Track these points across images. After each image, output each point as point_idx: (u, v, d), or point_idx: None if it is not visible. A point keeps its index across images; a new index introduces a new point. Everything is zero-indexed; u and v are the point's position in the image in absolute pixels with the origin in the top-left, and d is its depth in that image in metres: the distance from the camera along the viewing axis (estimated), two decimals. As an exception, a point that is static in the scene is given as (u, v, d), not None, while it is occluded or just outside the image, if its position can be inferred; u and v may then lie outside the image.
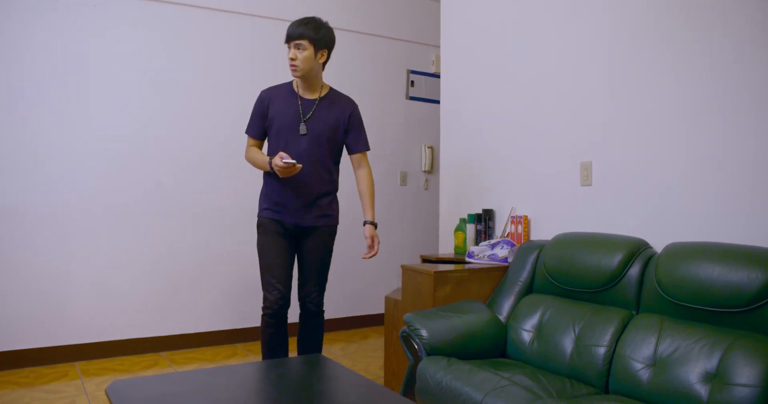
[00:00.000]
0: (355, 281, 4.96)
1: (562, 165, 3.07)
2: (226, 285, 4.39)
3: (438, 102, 4.34)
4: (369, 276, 5.01)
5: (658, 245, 2.47)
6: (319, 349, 3.07)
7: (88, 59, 3.91)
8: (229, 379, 1.87)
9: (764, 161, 2.22)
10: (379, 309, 4.94)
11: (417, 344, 2.52)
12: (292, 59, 2.74)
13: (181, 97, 4.23)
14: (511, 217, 3.32)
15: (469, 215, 3.52)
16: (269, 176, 2.90)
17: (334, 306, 4.88)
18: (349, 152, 2.99)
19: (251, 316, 4.49)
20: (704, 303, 2.06)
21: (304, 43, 2.72)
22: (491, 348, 2.62)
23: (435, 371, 2.29)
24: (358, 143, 2.95)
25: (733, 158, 2.32)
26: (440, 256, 3.50)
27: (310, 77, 2.82)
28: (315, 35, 2.74)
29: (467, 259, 3.23)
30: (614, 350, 2.23)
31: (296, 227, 2.89)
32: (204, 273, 4.31)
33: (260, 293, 4.53)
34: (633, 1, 2.72)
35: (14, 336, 3.70)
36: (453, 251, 3.67)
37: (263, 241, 2.92)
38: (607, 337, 2.28)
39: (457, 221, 3.68)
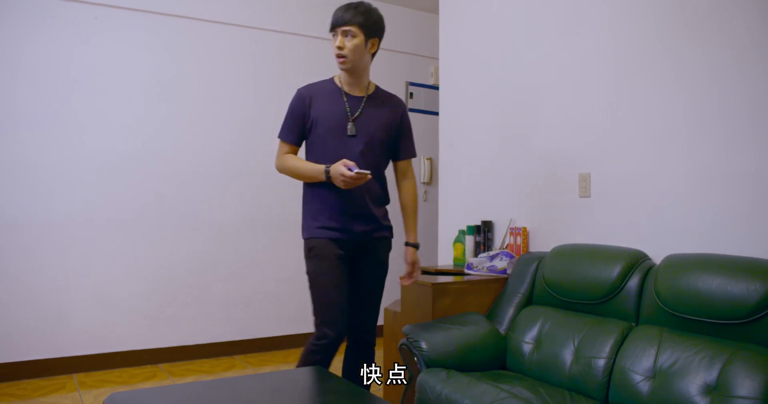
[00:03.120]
0: (355, 293, 4.95)
1: (561, 177, 3.07)
2: (225, 297, 4.38)
3: (437, 114, 4.35)
4: (368, 288, 4.99)
5: (657, 256, 2.47)
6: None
7: (90, 71, 3.93)
8: (228, 391, 1.86)
9: (763, 173, 2.23)
10: (378, 320, 4.91)
11: (416, 356, 2.51)
12: (339, 48, 2.35)
13: (181, 110, 4.24)
14: (510, 229, 3.32)
15: (468, 227, 3.52)
16: (318, 187, 2.46)
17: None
18: (395, 159, 2.60)
19: (250, 328, 4.49)
20: (704, 314, 2.06)
21: (354, 29, 2.32)
22: (491, 360, 2.61)
23: (434, 383, 2.28)
24: (408, 149, 2.59)
25: (732, 170, 2.33)
26: (439, 268, 3.49)
27: (358, 70, 2.43)
28: (366, 21, 2.34)
29: (466, 271, 3.23)
30: (614, 362, 2.23)
31: (355, 245, 2.47)
32: (203, 285, 4.30)
33: (259, 305, 4.54)
34: (633, 15, 2.74)
35: (12, 347, 3.69)
36: (452, 263, 3.66)
37: (320, 269, 2.42)
38: (606, 349, 2.27)
39: (456, 233, 3.68)
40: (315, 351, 2.42)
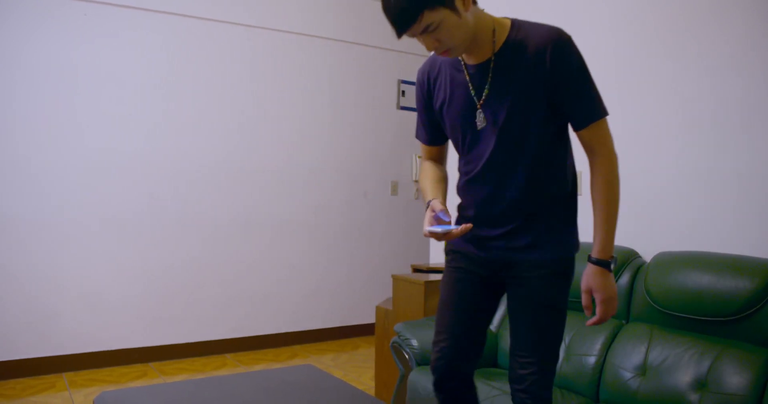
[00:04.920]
0: (346, 291, 4.95)
1: (552, 175, 3.08)
2: (215, 296, 4.37)
3: (429, 112, 4.36)
4: (360, 286, 5.00)
5: (647, 254, 2.48)
6: None
7: (85, 70, 3.90)
8: (219, 390, 1.85)
9: (751, 172, 2.25)
10: (370, 318, 4.92)
11: (408, 354, 2.51)
12: (435, 48, 1.53)
13: (178, 109, 4.22)
14: (502, 226, 3.32)
15: (460, 225, 3.51)
16: (459, 189, 1.77)
17: (324, 316, 4.87)
18: (573, 128, 1.63)
19: (241, 326, 4.48)
20: (693, 312, 2.07)
21: (427, 20, 1.44)
22: (482, 357, 2.61)
23: (426, 381, 2.28)
24: (581, 108, 1.57)
25: (722, 170, 2.34)
26: (431, 266, 3.50)
27: (475, 39, 1.55)
28: None
29: (458, 269, 3.23)
30: (604, 359, 2.24)
31: (494, 262, 1.71)
32: (195, 284, 4.29)
33: (251, 304, 4.54)
34: (628, 15, 2.75)
35: (2, 346, 3.66)
36: (444, 261, 3.67)
37: (444, 277, 1.84)
38: (597, 346, 2.28)
39: (448, 231, 3.68)
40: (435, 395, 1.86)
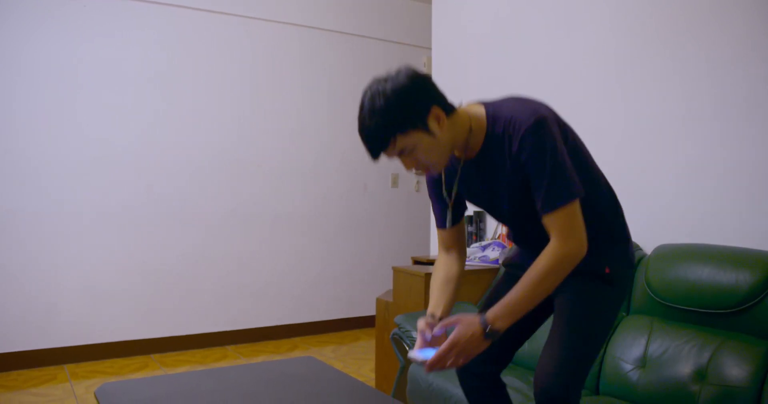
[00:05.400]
0: (347, 283, 4.96)
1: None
2: (216, 288, 4.38)
3: (429, 104, 4.35)
4: (360, 278, 5.00)
5: (648, 247, 2.48)
6: None
7: (84, 64, 3.89)
8: (220, 382, 1.86)
9: (754, 165, 2.24)
10: (370, 310, 4.93)
11: (408, 346, 2.52)
12: (415, 169, 1.54)
13: (174, 103, 4.21)
14: (502, 219, 3.32)
15: (460, 217, 3.51)
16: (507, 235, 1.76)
17: (324, 308, 4.87)
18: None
19: (241, 318, 4.49)
20: (693, 304, 2.07)
21: (400, 144, 1.45)
22: (482, 349, 2.61)
23: (426, 373, 2.28)
24: (541, 195, 1.48)
25: (724, 163, 2.34)
26: (432, 258, 3.50)
27: (454, 145, 1.55)
28: (394, 121, 1.43)
29: (458, 261, 3.23)
30: (604, 351, 2.24)
31: None
32: (194, 276, 4.29)
33: (252, 296, 4.54)
34: (631, 8, 2.74)
35: (3, 338, 3.67)
36: (444, 253, 3.66)
37: (495, 283, 1.92)
38: (597, 339, 2.28)
39: (448, 223, 3.67)
40: (461, 383, 1.85)
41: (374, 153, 1.46)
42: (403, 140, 1.43)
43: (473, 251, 3.19)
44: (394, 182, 5.19)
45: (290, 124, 4.67)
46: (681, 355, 1.98)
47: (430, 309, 1.65)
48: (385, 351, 3.19)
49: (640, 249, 2.48)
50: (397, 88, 1.43)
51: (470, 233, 3.49)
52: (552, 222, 1.47)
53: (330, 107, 4.83)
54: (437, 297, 1.67)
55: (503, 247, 3.13)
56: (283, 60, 4.62)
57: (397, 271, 3.09)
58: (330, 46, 4.82)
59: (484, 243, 3.20)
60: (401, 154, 1.47)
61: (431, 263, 3.36)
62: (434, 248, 3.89)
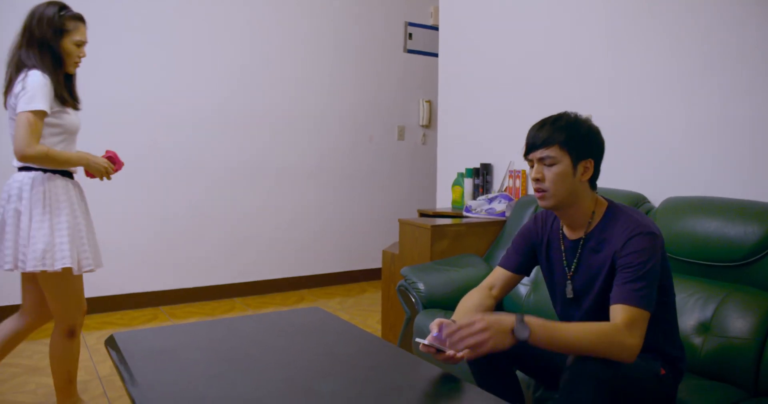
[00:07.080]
0: (353, 236, 4.98)
1: (561, 119, 3.04)
2: (223, 240, 4.40)
3: (436, 55, 4.26)
4: (366, 230, 5.02)
5: (656, 199, 2.46)
6: None
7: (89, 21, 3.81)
8: (229, 331, 1.88)
9: (762, 118, 2.21)
10: (376, 263, 4.97)
11: (414, 297, 2.54)
12: (536, 180, 1.66)
13: (178, 56, 4.14)
14: (509, 171, 3.30)
15: (467, 170, 3.50)
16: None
17: (331, 261, 4.91)
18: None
19: (249, 271, 4.53)
20: (700, 257, 2.07)
21: (553, 153, 1.62)
22: (487, 301, 2.64)
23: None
24: (616, 291, 1.55)
25: (730, 116, 2.31)
26: (438, 210, 3.50)
27: (566, 206, 1.68)
28: (570, 138, 1.63)
29: (465, 213, 3.23)
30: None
31: None
32: (201, 228, 4.31)
33: (258, 249, 4.57)
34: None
35: (11, 292, 3.71)
36: (450, 206, 3.67)
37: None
38: (602, 291, 2.29)
39: (455, 176, 3.66)
40: None
41: (532, 147, 1.67)
42: (558, 152, 1.62)
43: (480, 203, 3.18)
44: (401, 135, 5.15)
45: (294, 75, 4.60)
46: (686, 308, 1.99)
47: (453, 317, 1.71)
48: (391, 302, 3.23)
49: (648, 202, 2.47)
50: (593, 125, 1.70)
51: (477, 186, 3.48)
52: (623, 312, 1.51)
53: (334, 59, 4.75)
54: (463, 314, 1.74)
55: (510, 199, 3.12)
56: (285, 10, 4.52)
57: (403, 223, 3.10)
58: (335, -5, 4.71)
59: (490, 196, 3.19)
60: (542, 160, 1.64)
61: (438, 215, 3.36)
62: (440, 201, 3.89)
